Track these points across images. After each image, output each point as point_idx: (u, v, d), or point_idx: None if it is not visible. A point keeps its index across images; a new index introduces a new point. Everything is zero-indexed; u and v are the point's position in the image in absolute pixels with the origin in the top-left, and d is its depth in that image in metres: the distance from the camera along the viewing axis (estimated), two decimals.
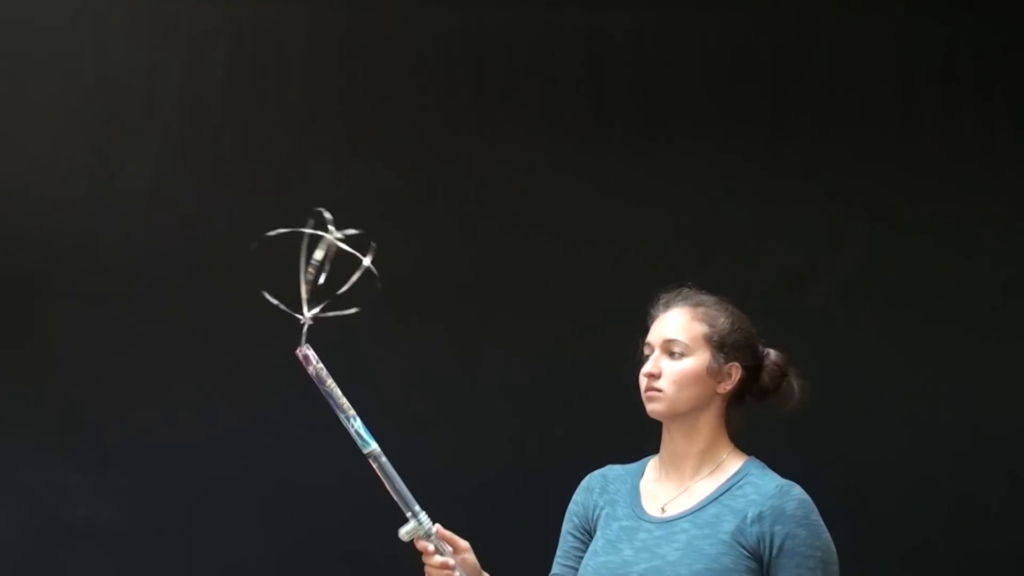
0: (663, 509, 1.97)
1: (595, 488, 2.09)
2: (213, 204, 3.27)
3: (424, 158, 3.31)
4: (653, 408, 1.97)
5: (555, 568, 2.09)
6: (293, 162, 3.30)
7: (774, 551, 1.87)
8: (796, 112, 3.37)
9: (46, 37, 3.28)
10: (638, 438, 2.07)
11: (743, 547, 1.87)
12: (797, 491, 1.91)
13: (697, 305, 2.01)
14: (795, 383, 2.01)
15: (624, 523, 2.00)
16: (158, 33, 3.28)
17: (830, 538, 1.90)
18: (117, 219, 3.25)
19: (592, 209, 3.32)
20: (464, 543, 1.99)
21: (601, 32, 3.35)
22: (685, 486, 1.97)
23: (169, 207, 3.26)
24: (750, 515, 1.88)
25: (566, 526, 2.11)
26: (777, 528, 1.87)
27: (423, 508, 1.95)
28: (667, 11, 3.36)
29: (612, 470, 2.10)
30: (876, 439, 3.28)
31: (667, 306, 2.03)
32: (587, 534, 2.07)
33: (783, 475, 1.94)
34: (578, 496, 2.11)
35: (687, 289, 2.05)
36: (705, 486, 1.95)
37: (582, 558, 2.04)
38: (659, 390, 1.97)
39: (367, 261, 1.96)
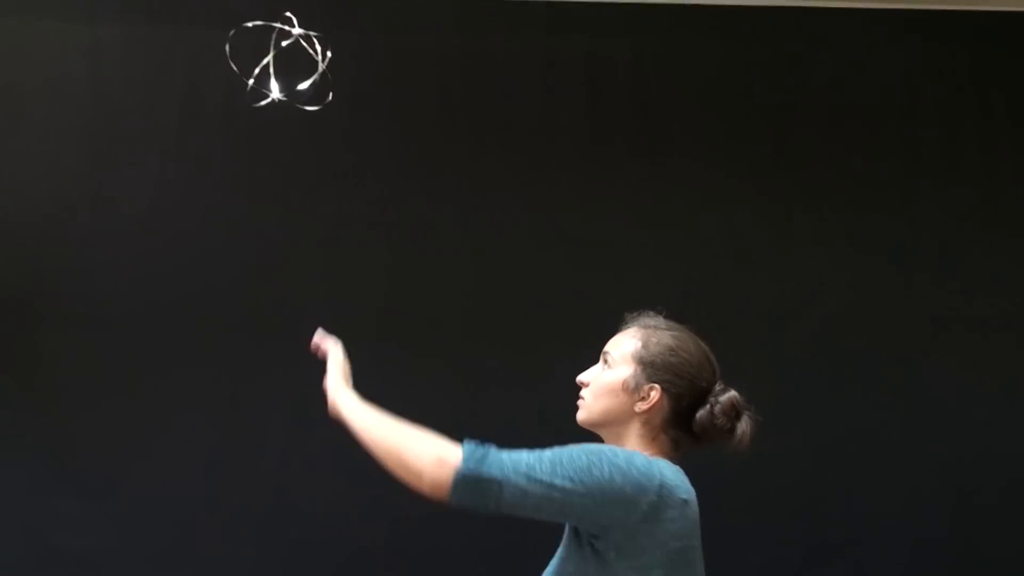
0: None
1: None
2: (210, 226, 3.26)
3: (425, 178, 3.31)
4: (577, 416, 2.01)
5: None
6: (291, 185, 3.29)
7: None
8: (794, 142, 3.36)
9: (43, 59, 3.27)
10: None
11: (580, 536, 1.83)
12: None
13: (645, 327, 2.01)
14: (741, 428, 1.93)
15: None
16: (155, 55, 3.28)
17: (608, 449, 1.79)
18: (112, 243, 3.24)
19: (585, 235, 3.31)
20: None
21: (601, 58, 3.34)
22: None
23: (166, 230, 3.25)
24: None
25: None
26: None
27: None
28: (667, 38, 3.36)
29: None
30: (866, 474, 3.26)
31: (626, 324, 2.05)
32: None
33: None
34: None
35: (652, 312, 2.06)
36: None
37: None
38: (583, 398, 2.01)
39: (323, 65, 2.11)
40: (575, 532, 1.85)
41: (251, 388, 3.24)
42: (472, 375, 3.24)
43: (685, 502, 1.81)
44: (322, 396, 2.02)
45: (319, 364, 3.18)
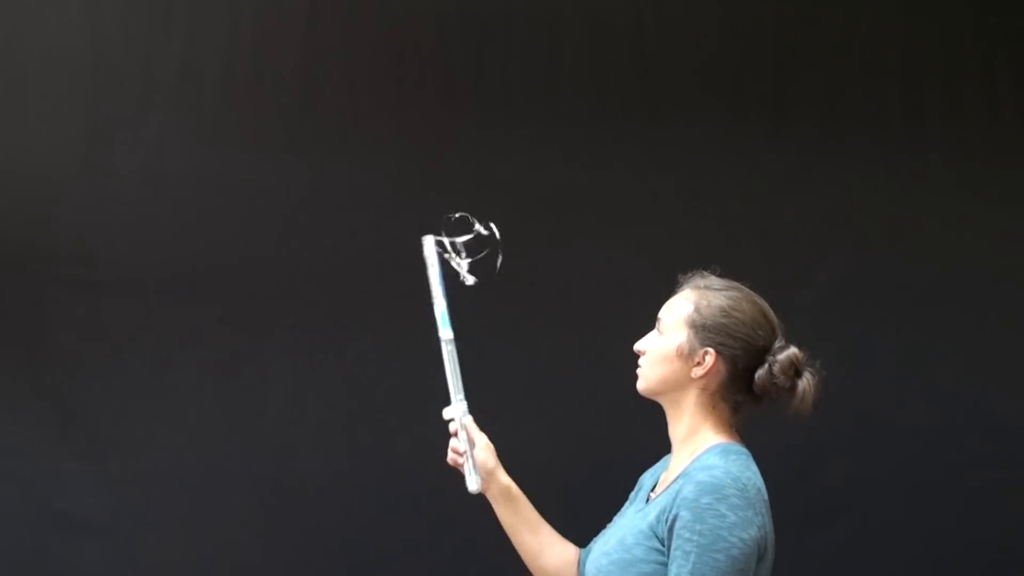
0: (651, 496, 1.97)
1: (651, 469, 2.10)
2: (210, 192, 3.24)
3: (423, 144, 3.29)
4: (637, 384, 1.97)
5: None
6: (289, 149, 3.28)
7: (667, 535, 1.80)
8: (795, 108, 3.35)
9: (40, 25, 3.25)
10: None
11: (657, 537, 1.82)
12: (704, 476, 1.79)
13: (699, 288, 1.95)
14: (802, 386, 1.89)
15: (629, 507, 2.03)
16: (153, 19, 3.25)
17: (727, 526, 1.74)
18: (113, 207, 3.23)
19: (584, 202, 3.30)
20: (484, 440, 2.05)
21: (602, 20, 3.32)
22: (669, 472, 1.96)
23: (166, 195, 3.24)
24: (667, 503, 1.82)
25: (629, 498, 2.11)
26: (671, 514, 1.79)
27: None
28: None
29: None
30: (868, 443, 3.27)
31: (679, 286, 1.99)
32: None
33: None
34: (645, 472, 2.11)
35: (706, 271, 2.00)
36: (675, 472, 1.91)
37: None
38: (640, 366, 1.97)
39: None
40: (654, 534, 1.83)
41: (254, 352, 3.24)
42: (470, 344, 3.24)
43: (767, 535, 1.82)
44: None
45: (323, 327, 3.21)
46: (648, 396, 1.96)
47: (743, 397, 1.91)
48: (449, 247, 2.13)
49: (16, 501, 3.18)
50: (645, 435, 2.10)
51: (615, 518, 2.04)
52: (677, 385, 1.91)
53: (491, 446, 2.04)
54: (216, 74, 3.25)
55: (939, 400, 3.30)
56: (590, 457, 3.18)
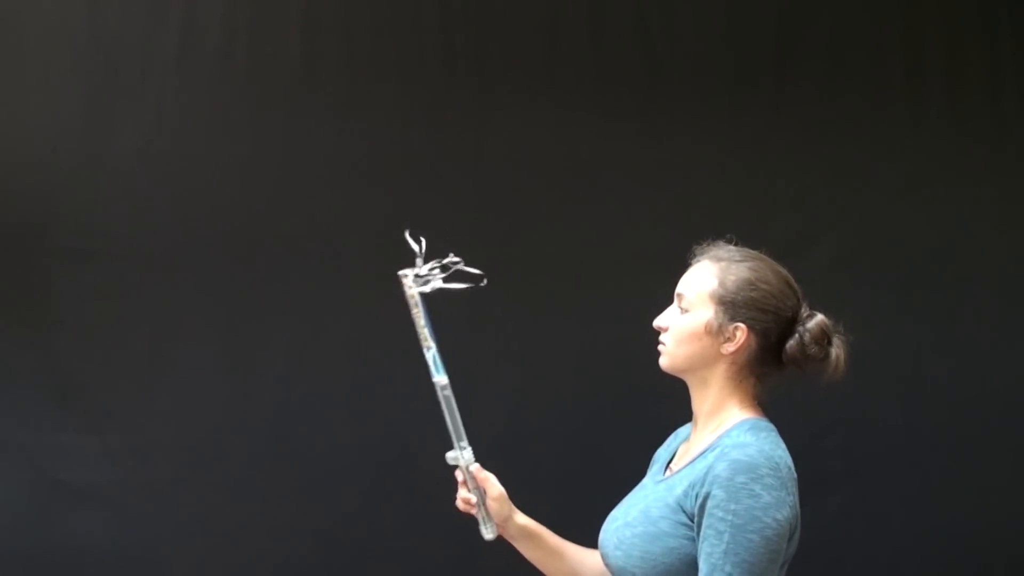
0: (671, 469, 1.95)
1: (666, 442, 2.08)
2: (209, 164, 3.23)
3: (425, 116, 3.27)
4: (660, 362, 1.92)
5: None
6: (290, 122, 3.27)
7: (697, 512, 1.77)
8: (797, 77, 3.33)
9: None
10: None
11: (684, 512, 1.80)
12: (738, 454, 1.76)
13: (719, 260, 1.90)
14: (834, 353, 1.87)
15: (647, 479, 2.01)
16: None
17: (761, 506, 1.72)
18: (114, 178, 3.21)
19: (590, 173, 3.29)
20: (497, 490, 1.99)
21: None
22: (691, 445, 1.93)
23: (166, 166, 3.22)
24: (697, 479, 1.80)
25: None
26: (703, 490, 1.77)
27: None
28: None
29: (687, 428, 2.04)
30: (878, 405, 3.26)
31: (696, 258, 1.94)
32: None
33: (786, 439, 1.86)
34: (660, 447, 2.09)
35: (721, 242, 1.96)
36: (700, 446, 1.88)
37: None
38: (664, 344, 1.92)
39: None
40: (682, 509, 1.81)
41: (252, 321, 3.23)
42: (473, 309, 3.24)
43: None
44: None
45: (319, 298, 3.21)
46: (673, 373, 1.93)
47: (769, 369, 1.89)
48: (428, 273, 2.05)
49: (18, 472, 3.19)
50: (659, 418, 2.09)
51: (633, 491, 2.02)
52: (705, 362, 1.88)
53: (503, 493, 2.00)
54: (215, 47, 3.23)
55: (942, 371, 3.29)
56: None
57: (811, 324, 1.87)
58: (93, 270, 3.20)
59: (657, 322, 1.93)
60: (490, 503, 1.99)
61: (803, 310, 1.89)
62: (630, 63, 3.31)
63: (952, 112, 3.32)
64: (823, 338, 1.87)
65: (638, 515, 1.87)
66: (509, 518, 2.01)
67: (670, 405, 2.08)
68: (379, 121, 3.26)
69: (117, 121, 3.22)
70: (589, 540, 2.07)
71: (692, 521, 1.78)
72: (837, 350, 1.88)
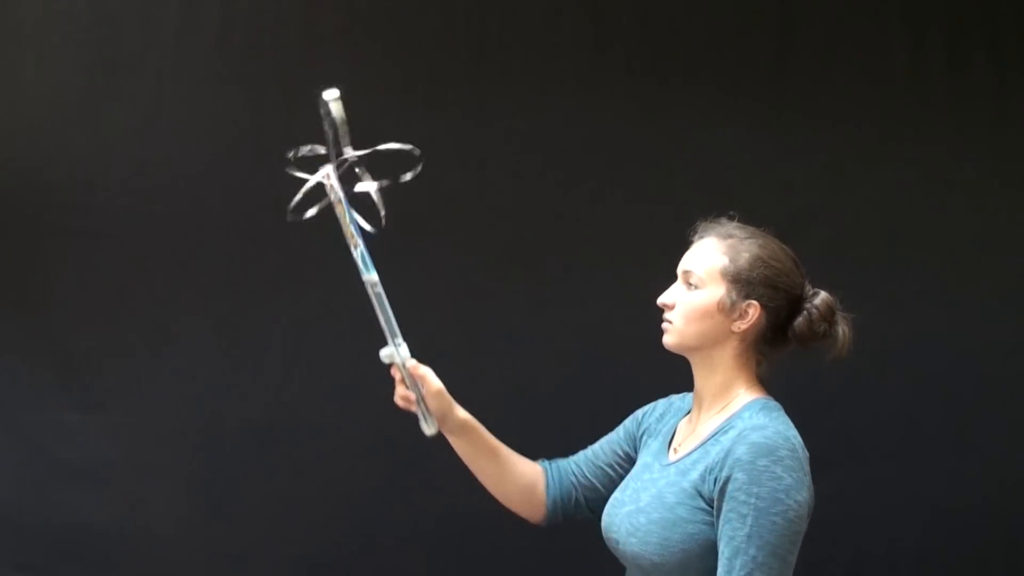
0: (675, 450, 1.93)
1: (658, 411, 2.06)
2: (210, 142, 3.23)
3: (425, 94, 3.27)
4: (664, 340, 1.91)
5: (588, 449, 2.10)
6: (290, 102, 3.25)
7: (717, 496, 1.76)
8: (799, 53, 3.32)
9: None
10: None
11: (702, 496, 1.79)
12: (757, 436, 1.76)
13: (726, 237, 1.89)
14: (840, 330, 1.88)
15: (646, 460, 1.99)
16: None
17: (784, 488, 1.72)
18: (114, 157, 3.21)
19: (590, 154, 3.28)
20: (436, 386, 1.99)
21: None
22: (696, 426, 1.92)
23: (166, 143, 3.22)
24: (714, 462, 1.78)
25: (623, 425, 2.08)
26: (722, 473, 1.76)
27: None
28: None
29: (682, 399, 2.03)
30: (877, 384, 3.26)
31: (700, 235, 1.93)
32: (630, 443, 2.05)
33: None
34: (645, 408, 2.08)
35: (725, 219, 1.94)
36: (708, 428, 1.87)
37: (608, 457, 2.06)
38: (670, 322, 1.90)
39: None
40: (699, 494, 1.80)
41: (252, 301, 3.23)
42: (471, 290, 3.24)
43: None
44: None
45: (319, 278, 3.20)
46: (679, 352, 1.91)
47: (774, 347, 1.89)
48: (354, 157, 2.00)
49: (18, 451, 3.19)
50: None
51: (638, 458, 2.01)
52: (716, 340, 1.87)
53: (442, 388, 1.99)
54: (215, 27, 3.22)
55: (933, 353, 3.29)
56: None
57: (818, 301, 1.88)
58: (92, 249, 3.20)
59: (662, 299, 1.91)
60: (428, 399, 1.98)
61: (809, 288, 1.90)
62: (628, 44, 3.30)
63: (953, 94, 3.31)
64: (831, 315, 1.88)
65: (651, 500, 1.86)
66: (448, 413, 2.00)
67: (675, 386, 2.09)
68: (381, 94, 3.22)
69: (116, 100, 3.22)
70: (590, 527, 2.07)
71: (710, 506, 1.78)
72: (844, 327, 1.89)
